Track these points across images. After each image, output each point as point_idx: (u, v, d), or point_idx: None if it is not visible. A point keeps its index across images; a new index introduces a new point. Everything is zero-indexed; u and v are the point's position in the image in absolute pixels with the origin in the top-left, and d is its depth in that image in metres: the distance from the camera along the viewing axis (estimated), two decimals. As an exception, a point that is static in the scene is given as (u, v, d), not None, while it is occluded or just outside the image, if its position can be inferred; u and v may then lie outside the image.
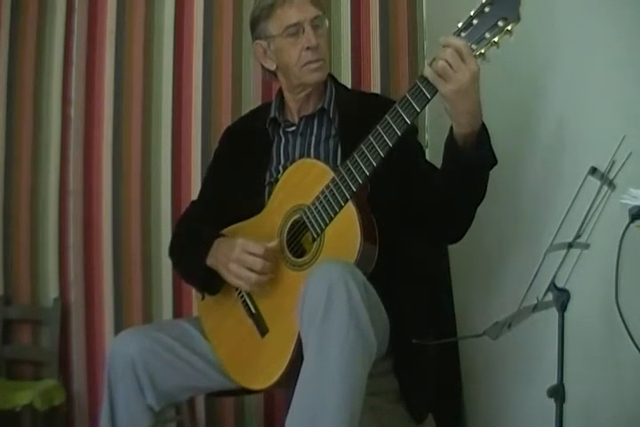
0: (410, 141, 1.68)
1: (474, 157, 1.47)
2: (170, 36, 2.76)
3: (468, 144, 1.47)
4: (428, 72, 1.40)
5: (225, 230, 1.82)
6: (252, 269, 1.63)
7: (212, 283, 1.75)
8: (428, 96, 1.43)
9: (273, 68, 1.83)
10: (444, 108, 1.44)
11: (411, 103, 1.45)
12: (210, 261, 1.72)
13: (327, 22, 1.79)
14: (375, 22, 2.76)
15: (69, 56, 2.76)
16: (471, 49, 1.38)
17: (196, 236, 1.83)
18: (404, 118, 1.47)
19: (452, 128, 1.48)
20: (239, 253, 1.63)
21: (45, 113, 2.76)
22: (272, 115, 1.85)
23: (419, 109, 1.45)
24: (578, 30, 1.46)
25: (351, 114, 1.78)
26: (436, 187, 1.56)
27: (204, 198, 1.97)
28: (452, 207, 1.57)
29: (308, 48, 1.72)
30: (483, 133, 1.47)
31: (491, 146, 1.50)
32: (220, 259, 1.68)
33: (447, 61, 1.37)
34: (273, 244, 1.65)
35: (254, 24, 1.81)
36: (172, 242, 1.96)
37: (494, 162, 1.53)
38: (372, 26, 2.76)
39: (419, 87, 1.44)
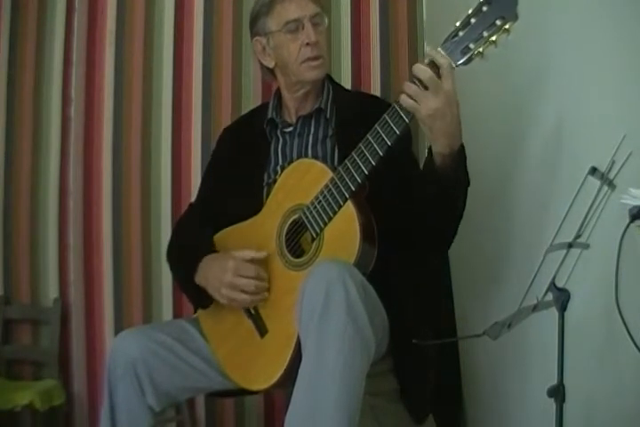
0: (403, 146, 1.68)
1: (450, 178, 1.48)
2: (170, 36, 2.77)
3: (447, 164, 1.48)
4: (405, 101, 1.41)
5: (223, 232, 1.82)
6: (245, 292, 1.63)
7: (202, 300, 1.75)
8: None
9: (271, 65, 1.82)
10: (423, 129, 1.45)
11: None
12: (198, 280, 1.72)
13: (326, 20, 1.79)
14: (375, 22, 2.76)
15: (69, 56, 2.76)
16: (469, 48, 1.38)
17: (187, 248, 1.83)
18: (402, 117, 1.47)
19: (430, 147, 1.49)
20: (231, 277, 1.63)
21: (45, 113, 2.77)
22: (269, 115, 1.85)
23: None
24: (577, 30, 1.45)
25: (349, 114, 1.78)
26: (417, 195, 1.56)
27: (203, 200, 1.97)
28: (426, 221, 1.56)
29: (307, 44, 1.72)
30: (461, 154, 1.48)
31: (466, 167, 1.51)
32: (212, 282, 1.68)
33: (424, 84, 1.38)
34: (261, 254, 1.65)
35: (254, 20, 1.81)
36: (168, 248, 1.95)
37: (467, 184, 1.54)
38: (371, 26, 2.76)
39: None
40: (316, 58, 1.74)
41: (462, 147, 1.49)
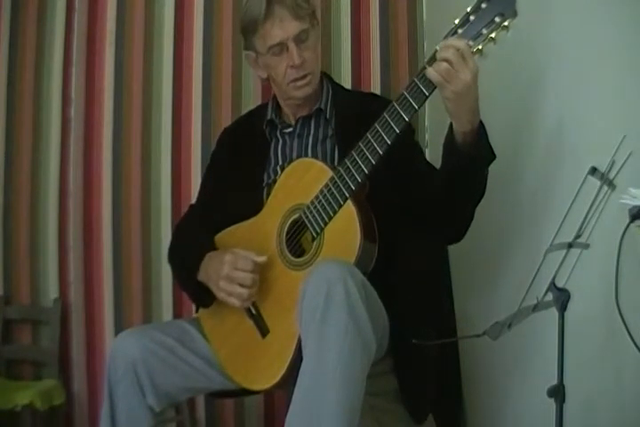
0: (408, 141, 1.69)
1: (473, 154, 1.47)
2: (170, 36, 2.76)
3: (468, 141, 1.47)
4: (431, 74, 1.40)
5: (224, 232, 1.82)
6: (242, 285, 1.63)
7: (204, 297, 1.75)
8: (426, 93, 1.44)
9: (264, 76, 1.84)
10: (445, 108, 1.44)
11: (408, 101, 1.46)
12: (201, 277, 1.72)
13: (316, 30, 1.78)
14: (375, 22, 2.76)
15: (69, 56, 2.76)
16: (469, 46, 1.38)
17: (189, 248, 1.83)
18: (402, 116, 1.47)
19: (451, 126, 1.48)
20: (228, 270, 1.63)
21: (45, 113, 2.76)
22: (269, 116, 1.86)
23: (417, 107, 1.45)
24: (578, 30, 1.46)
25: (348, 114, 1.78)
26: (436, 186, 1.56)
27: (203, 201, 1.97)
28: (452, 206, 1.57)
29: (292, 66, 1.72)
30: (481, 129, 1.48)
31: (488, 141, 1.51)
32: (211, 276, 1.68)
33: (450, 62, 1.37)
34: (262, 259, 1.65)
35: (243, 34, 1.81)
36: (169, 249, 1.95)
37: (493, 157, 1.53)
38: (371, 26, 2.76)
39: (416, 85, 1.44)
40: (303, 77, 1.74)
41: (481, 123, 1.48)
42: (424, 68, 1.43)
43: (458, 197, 1.55)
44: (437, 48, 1.41)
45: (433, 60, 1.41)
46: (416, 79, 1.45)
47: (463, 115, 1.44)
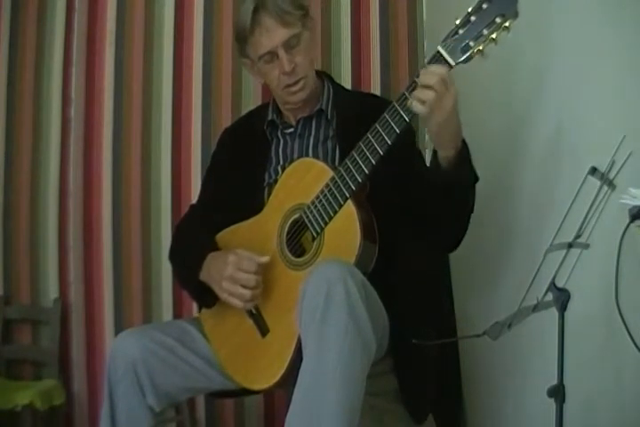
0: (408, 141, 1.69)
1: (456, 176, 1.49)
2: (170, 36, 2.77)
3: (452, 164, 1.49)
4: (418, 108, 1.40)
5: (224, 231, 1.82)
6: (245, 286, 1.63)
7: (206, 297, 1.75)
8: None
9: (262, 81, 1.85)
10: (429, 137, 1.45)
11: (409, 101, 1.46)
12: (203, 277, 1.72)
13: (311, 32, 1.77)
14: (375, 22, 2.76)
15: (69, 56, 2.76)
16: (469, 46, 1.39)
17: (190, 247, 1.83)
18: (402, 116, 1.47)
19: (434, 154, 1.50)
20: (232, 270, 1.63)
21: (45, 113, 2.77)
22: (270, 117, 1.86)
23: None
24: (578, 31, 1.46)
25: (349, 114, 1.78)
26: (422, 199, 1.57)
27: (204, 201, 1.97)
28: (438, 221, 1.58)
29: (284, 73, 1.72)
30: (464, 151, 1.49)
31: (471, 163, 1.52)
32: (214, 276, 1.68)
33: (435, 90, 1.37)
34: (265, 259, 1.65)
35: (237, 42, 1.80)
36: (170, 248, 1.95)
37: (476, 179, 1.54)
38: (371, 26, 2.76)
39: (417, 85, 1.44)
40: (295, 83, 1.74)
41: (464, 142, 1.49)
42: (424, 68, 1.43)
43: (443, 214, 1.56)
44: (417, 77, 1.41)
45: (413, 87, 1.42)
46: (417, 80, 1.44)
47: (446, 141, 1.46)
